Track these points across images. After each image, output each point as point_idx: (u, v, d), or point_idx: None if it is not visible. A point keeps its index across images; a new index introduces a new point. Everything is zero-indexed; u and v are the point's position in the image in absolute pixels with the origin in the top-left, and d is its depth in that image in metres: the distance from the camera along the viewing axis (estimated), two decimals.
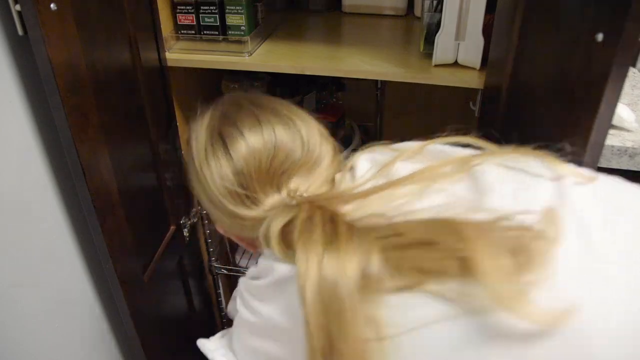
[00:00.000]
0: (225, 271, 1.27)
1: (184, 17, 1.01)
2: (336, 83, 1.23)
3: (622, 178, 0.49)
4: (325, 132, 0.59)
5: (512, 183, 0.47)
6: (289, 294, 0.48)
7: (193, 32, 1.02)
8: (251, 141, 0.54)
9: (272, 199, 0.54)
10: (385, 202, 0.47)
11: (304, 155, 0.54)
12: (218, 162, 0.55)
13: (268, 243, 0.50)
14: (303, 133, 0.55)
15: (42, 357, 0.80)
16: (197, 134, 0.58)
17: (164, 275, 1.03)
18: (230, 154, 0.54)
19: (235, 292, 0.63)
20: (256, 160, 0.53)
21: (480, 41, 0.86)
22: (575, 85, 0.58)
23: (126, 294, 0.83)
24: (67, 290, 0.85)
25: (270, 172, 0.54)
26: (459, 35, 0.87)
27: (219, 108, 0.60)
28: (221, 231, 0.65)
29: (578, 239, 0.42)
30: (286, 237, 0.49)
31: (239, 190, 0.54)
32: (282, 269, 0.50)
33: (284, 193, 0.54)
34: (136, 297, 0.88)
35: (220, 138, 0.55)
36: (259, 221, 0.53)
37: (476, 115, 0.95)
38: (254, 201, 0.54)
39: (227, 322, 1.38)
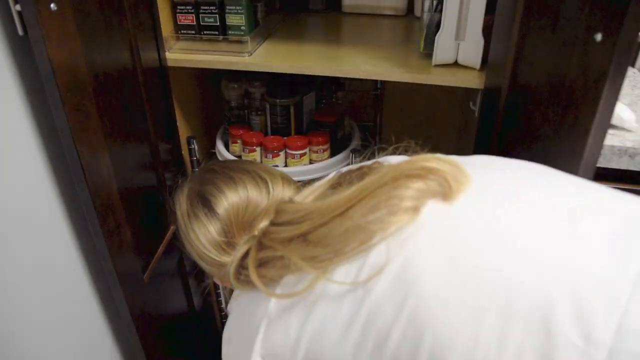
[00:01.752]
0: None
1: (184, 17, 1.01)
2: (336, 83, 1.23)
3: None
4: (287, 177, 0.70)
5: None
6: None
7: (193, 32, 1.02)
8: (230, 196, 0.64)
9: (243, 240, 0.62)
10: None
11: (270, 200, 0.65)
12: (200, 222, 0.65)
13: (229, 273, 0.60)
14: (269, 183, 0.66)
15: (41, 357, 0.80)
16: (179, 203, 0.69)
17: (164, 275, 1.03)
18: (213, 209, 0.64)
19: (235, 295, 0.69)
20: (234, 209, 0.64)
21: (480, 41, 0.86)
22: (575, 85, 0.58)
23: (126, 294, 0.83)
24: (67, 290, 0.85)
25: (245, 218, 0.64)
26: (459, 35, 0.87)
27: (196, 176, 0.71)
28: (219, 283, 0.75)
29: None
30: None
31: (222, 239, 0.63)
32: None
33: (255, 232, 0.63)
34: (136, 297, 0.88)
35: (202, 199, 0.66)
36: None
37: (476, 115, 0.95)
38: (233, 246, 0.63)
39: None
